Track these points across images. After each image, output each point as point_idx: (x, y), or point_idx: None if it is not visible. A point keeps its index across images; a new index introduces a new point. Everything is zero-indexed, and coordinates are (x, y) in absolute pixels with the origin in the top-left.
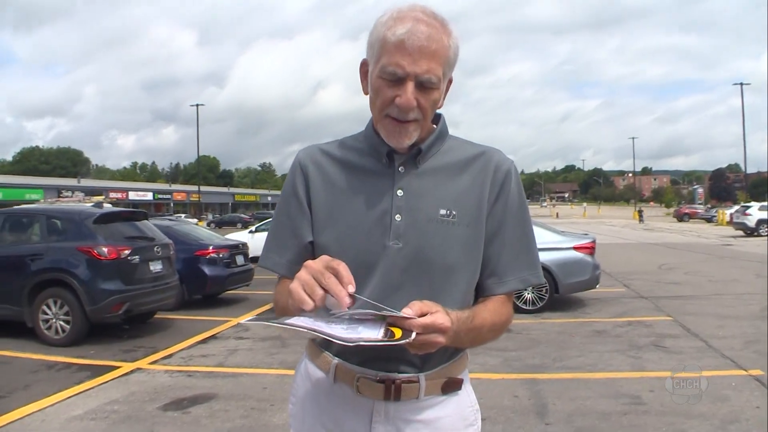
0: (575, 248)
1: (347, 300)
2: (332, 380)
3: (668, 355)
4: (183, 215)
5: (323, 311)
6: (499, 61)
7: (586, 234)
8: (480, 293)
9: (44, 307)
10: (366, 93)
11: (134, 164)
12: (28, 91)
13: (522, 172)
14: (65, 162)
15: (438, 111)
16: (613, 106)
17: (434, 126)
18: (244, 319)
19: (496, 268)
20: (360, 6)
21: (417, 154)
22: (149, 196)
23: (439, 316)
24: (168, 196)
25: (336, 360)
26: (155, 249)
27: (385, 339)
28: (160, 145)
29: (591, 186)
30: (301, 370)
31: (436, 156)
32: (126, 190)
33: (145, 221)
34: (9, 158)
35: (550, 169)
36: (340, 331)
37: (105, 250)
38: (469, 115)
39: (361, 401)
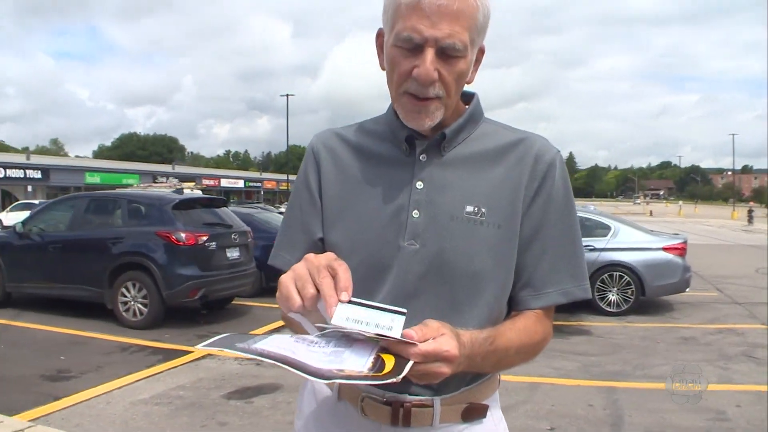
0: (665, 249)
1: (333, 309)
2: (336, 398)
3: (760, 367)
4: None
5: (315, 316)
6: (596, 53)
7: (677, 234)
8: (513, 306)
9: (123, 290)
10: (383, 68)
11: (227, 152)
12: (130, 80)
13: (615, 168)
14: (161, 149)
15: (471, 90)
16: (713, 101)
17: (466, 107)
18: (199, 345)
19: (532, 277)
20: None
21: (441, 140)
22: (240, 183)
23: (445, 341)
24: (258, 185)
25: None
26: (233, 236)
27: (370, 373)
28: (254, 134)
29: (688, 184)
30: (308, 384)
31: (466, 143)
32: (218, 177)
33: (224, 208)
34: (108, 143)
35: (644, 165)
36: (321, 358)
37: (183, 235)
38: (565, 108)
39: (367, 424)
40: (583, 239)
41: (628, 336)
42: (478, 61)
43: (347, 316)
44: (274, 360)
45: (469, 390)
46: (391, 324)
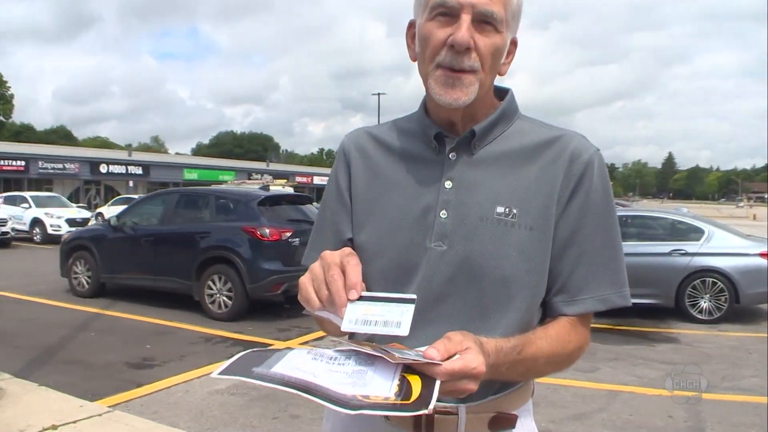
0: (762, 255)
1: (343, 310)
2: None
3: None
4: None
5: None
6: (698, 49)
7: None
8: (547, 312)
9: (210, 283)
10: (413, 59)
11: (321, 150)
12: (228, 80)
13: (717, 169)
14: (257, 146)
15: (505, 86)
16: None
17: (500, 103)
18: (212, 373)
19: (567, 283)
20: None
21: (472, 138)
22: None
23: (471, 357)
24: None
25: None
26: None
27: (398, 400)
28: (348, 132)
29: None
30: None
31: (499, 140)
32: (311, 175)
33: (309, 205)
34: (206, 141)
35: (749, 167)
36: (343, 379)
37: (267, 231)
38: (665, 107)
39: (390, 430)
40: (674, 243)
41: (718, 345)
42: (510, 53)
43: (356, 317)
44: (295, 389)
45: (497, 399)
46: (399, 318)
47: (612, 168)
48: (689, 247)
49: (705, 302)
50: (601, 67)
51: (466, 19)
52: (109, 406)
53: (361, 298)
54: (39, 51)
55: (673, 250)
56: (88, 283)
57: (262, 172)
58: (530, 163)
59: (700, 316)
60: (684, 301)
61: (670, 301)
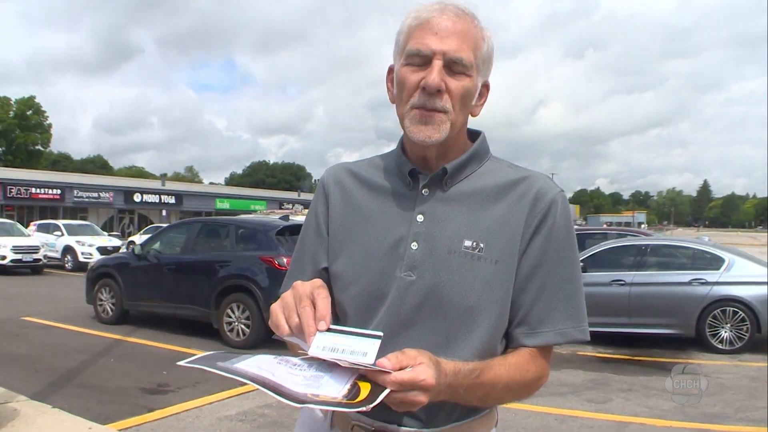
0: None
1: (311, 339)
2: (329, 425)
3: None
4: None
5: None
6: (733, 76)
7: None
8: (508, 343)
9: (228, 311)
10: (392, 101)
11: None
12: (264, 111)
13: (754, 196)
14: (289, 176)
15: (477, 129)
16: None
17: (471, 144)
18: (181, 362)
19: (528, 315)
20: (585, 23)
21: (443, 175)
22: None
23: (422, 370)
24: None
25: None
26: None
27: (344, 400)
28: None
29: None
30: (304, 412)
31: (470, 179)
32: None
33: None
34: (239, 171)
35: None
36: (300, 381)
37: (285, 260)
38: (700, 134)
39: None
40: (694, 272)
41: (737, 376)
42: (482, 96)
43: (324, 345)
44: (251, 381)
45: (460, 425)
46: (365, 350)
47: (646, 196)
48: (709, 276)
49: (726, 332)
50: (636, 94)
51: (437, 64)
52: (119, 430)
53: (329, 330)
54: (80, 81)
55: (693, 279)
56: (112, 310)
57: (293, 202)
58: (498, 201)
59: (721, 347)
60: (704, 331)
61: (691, 331)
